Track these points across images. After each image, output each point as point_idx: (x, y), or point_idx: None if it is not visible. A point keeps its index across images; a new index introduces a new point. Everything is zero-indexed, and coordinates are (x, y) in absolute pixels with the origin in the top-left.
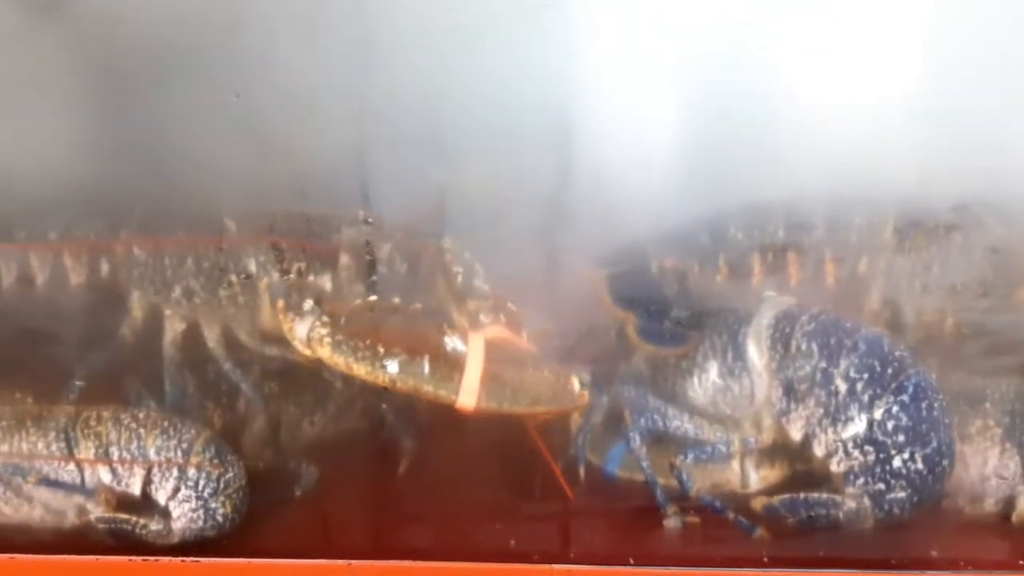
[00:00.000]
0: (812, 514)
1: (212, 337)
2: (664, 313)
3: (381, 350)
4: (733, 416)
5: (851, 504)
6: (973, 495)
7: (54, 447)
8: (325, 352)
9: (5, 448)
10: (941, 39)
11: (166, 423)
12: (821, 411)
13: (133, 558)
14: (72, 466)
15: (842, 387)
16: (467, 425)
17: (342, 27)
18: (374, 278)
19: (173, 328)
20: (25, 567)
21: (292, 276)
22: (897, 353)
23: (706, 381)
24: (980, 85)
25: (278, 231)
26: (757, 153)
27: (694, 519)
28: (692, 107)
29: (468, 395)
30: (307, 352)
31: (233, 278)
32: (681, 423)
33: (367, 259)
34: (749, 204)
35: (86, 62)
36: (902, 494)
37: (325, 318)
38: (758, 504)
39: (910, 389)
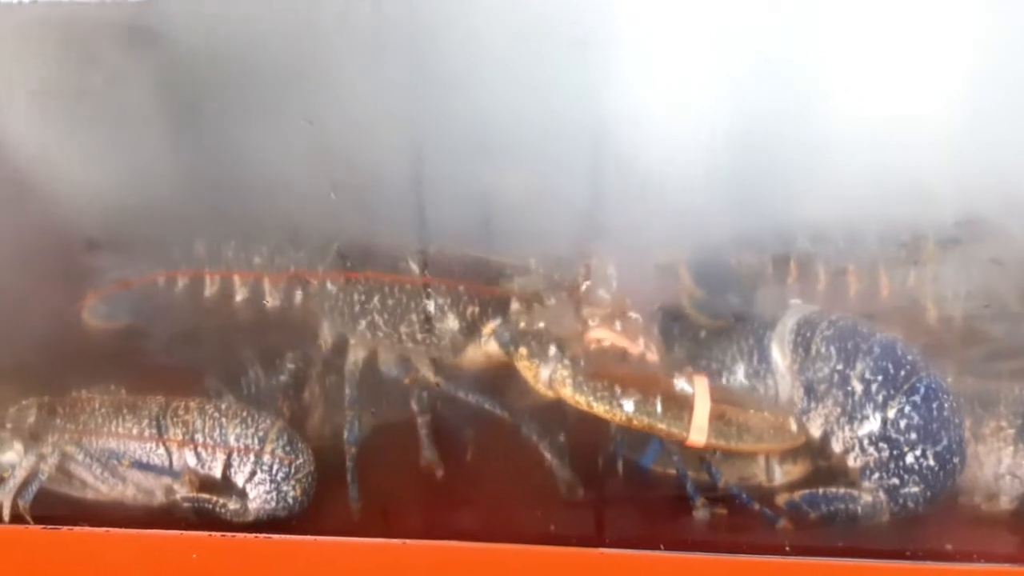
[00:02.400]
0: (831, 509)
1: (389, 362)
2: (727, 297)
3: (618, 390)
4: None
5: (867, 498)
6: (988, 493)
7: (146, 432)
8: (567, 392)
9: (104, 433)
10: (972, 55)
11: (245, 414)
12: (839, 410)
13: (213, 534)
14: (162, 450)
15: (858, 388)
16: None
17: (400, 56)
18: (541, 324)
19: (355, 355)
20: (118, 540)
21: (519, 321)
22: (910, 356)
23: (733, 382)
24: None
25: (457, 275)
26: (788, 171)
27: (721, 510)
28: (724, 128)
29: (698, 433)
30: (547, 393)
31: (413, 317)
32: None
33: (536, 305)
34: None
35: (170, 92)
36: (915, 489)
37: (567, 361)
38: (781, 500)
39: (922, 390)
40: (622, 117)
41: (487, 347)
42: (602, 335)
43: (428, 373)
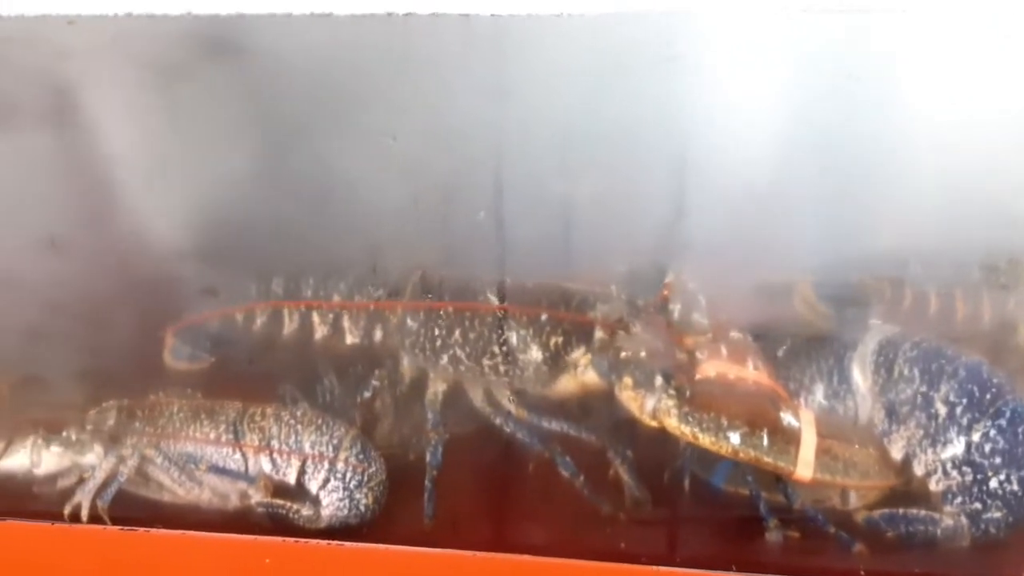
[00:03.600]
0: (911, 529)
1: (476, 397)
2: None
3: (724, 422)
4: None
5: (948, 522)
6: None
7: (223, 438)
8: (671, 423)
9: (182, 437)
10: None
11: (320, 421)
12: (921, 433)
13: (286, 539)
14: (238, 455)
15: (942, 410)
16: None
17: (486, 73)
18: (643, 353)
19: (435, 388)
20: (193, 543)
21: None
22: (996, 379)
23: (812, 403)
24: None
25: (538, 305)
26: (872, 189)
27: (794, 533)
28: (807, 146)
29: (805, 467)
30: (652, 423)
31: (495, 349)
32: None
33: (621, 333)
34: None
35: (256, 106)
36: (998, 514)
37: (672, 391)
38: (859, 516)
39: (1007, 414)
40: (706, 134)
41: (584, 377)
42: (715, 368)
43: (509, 404)
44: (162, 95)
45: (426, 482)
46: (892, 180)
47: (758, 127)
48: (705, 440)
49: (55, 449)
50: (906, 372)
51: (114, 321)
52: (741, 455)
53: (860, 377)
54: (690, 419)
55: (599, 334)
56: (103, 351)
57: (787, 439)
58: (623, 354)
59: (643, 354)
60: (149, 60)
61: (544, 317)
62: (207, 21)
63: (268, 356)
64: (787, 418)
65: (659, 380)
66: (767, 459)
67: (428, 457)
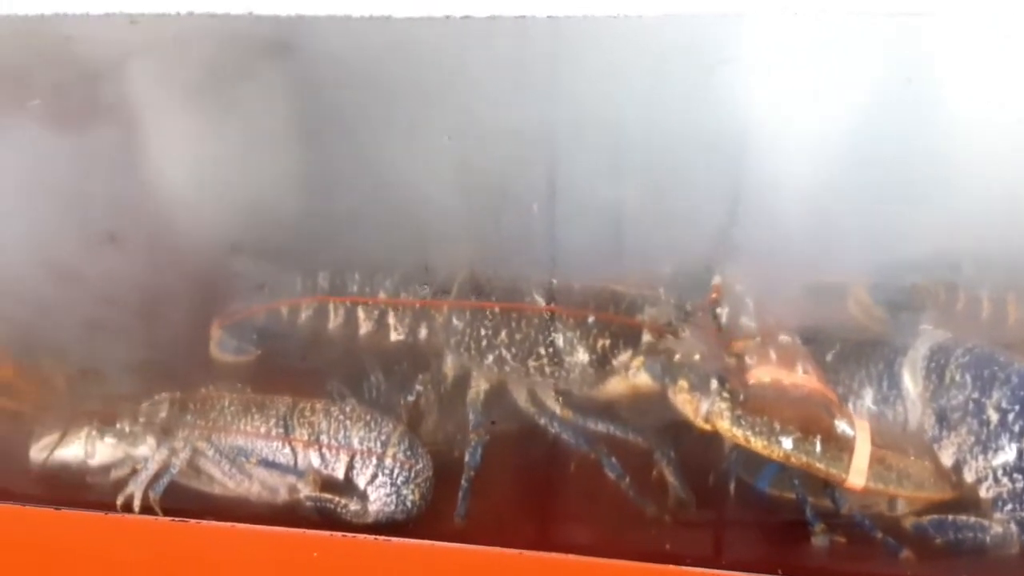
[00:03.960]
0: (959, 536)
1: (520, 397)
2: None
3: (777, 427)
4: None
5: (998, 529)
6: None
7: (273, 432)
8: (724, 425)
9: (233, 430)
10: None
11: (368, 417)
12: (972, 439)
13: (334, 533)
14: (288, 449)
15: (994, 417)
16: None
17: (541, 75)
18: (696, 356)
19: (478, 387)
20: (242, 535)
21: (667, 349)
22: None
23: (861, 407)
24: None
25: (585, 306)
26: (926, 193)
27: (840, 538)
28: (846, 158)
29: (858, 476)
30: (705, 426)
31: (541, 351)
32: None
33: (669, 336)
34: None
35: (315, 106)
36: None
37: (726, 394)
38: (907, 522)
39: None
40: (758, 137)
41: (635, 379)
42: (766, 374)
43: (554, 405)
44: (220, 94)
45: (462, 481)
46: (945, 182)
47: (810, 130)
48: (757, 444)
49: (109, 440)
50: (958, 378)
51: (168, 315)
52: (793, 460)
53: (911, 382)
54: (743, 422)
55: (647, 337)
56: (157, 344)
57: (840, 446)
58: (676, 357)
59: (697, 357)
60: (209, 59)
61: (591, 319)
62: (268, 21)
63: (315, 352)
64: (841, 425)
65: (714, 383)
66: (819, 465)
67: (467, 457)
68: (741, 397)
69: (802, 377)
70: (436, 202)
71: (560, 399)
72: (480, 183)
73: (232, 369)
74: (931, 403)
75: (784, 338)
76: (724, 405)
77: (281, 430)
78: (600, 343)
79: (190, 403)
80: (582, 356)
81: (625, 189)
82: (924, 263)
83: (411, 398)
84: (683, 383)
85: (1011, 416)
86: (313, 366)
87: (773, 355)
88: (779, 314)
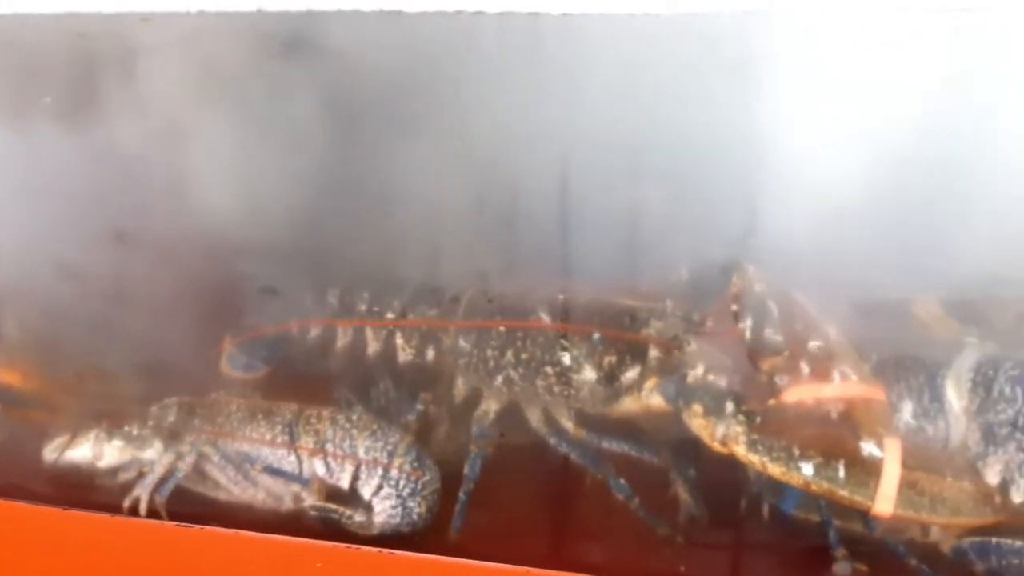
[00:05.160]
0: (1004, 562)
1: (534, 417)
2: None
3: (796, 452)
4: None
5: None
6: None
7: (279, 439)
8: (740, 450)
9: (239, 436)
10: None
11: (375, 426)
12: (1022, 456)
13: (338, 544)
14: (293, 457)
15: None
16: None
17: (553, 71)
18: (711, 377)
19: (488, 406)
20: (246, 542)
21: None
22: None
23: (898, 422)
24: None
25: (590, 322)
26: (962, 201)
27: (862, 567)
28: (881, 162)
29: (885, 503)
30: (721, 450)
31: (549, 370)
32: None
33: (676, 351)
34: None
35: (324, 104)
36: None
37: (741, 417)
38: (946, 546)
39: None
40: (782, 139)
41: (649, 400)
42: (800, 393)
43: (568, 424)
44: (230, 93)
45: (460, 494)
46: (990, 190)
47: (839, 131)
48: (775, 470)
49: (117, 443)
50: (1007, 391)
51: (178, 317)
52: (814, 487)
53: (955, 396)
54: (759, 447)
55: (653, 352)
56: (167, 347)
57: (867, 471)
58: (690, 378)
59: (711, 376)
60: (220, 58)
61: (596, 336)
62: (277, 18)
63: (324, 362)
64: (868, 448)
65: (729, 406)
66: (843, 493)
67: (466, 470)
68: (758, 420)
69: (840, 386)
70: (446, 206)
71: (573, 418)
72: (493, 186)
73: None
74: (977, 418)
75: (814, 344)
76: (740, 429)
77: (286, 437)
78: (606, 360)
79: (198, 407)
80: (589, 374)
81: (642, 192)
82: (963, 276)
83: (412, 417)
84: (697, 407)
85: None
86: (324, 373)
87: (805, 368)
88: (804, 315)
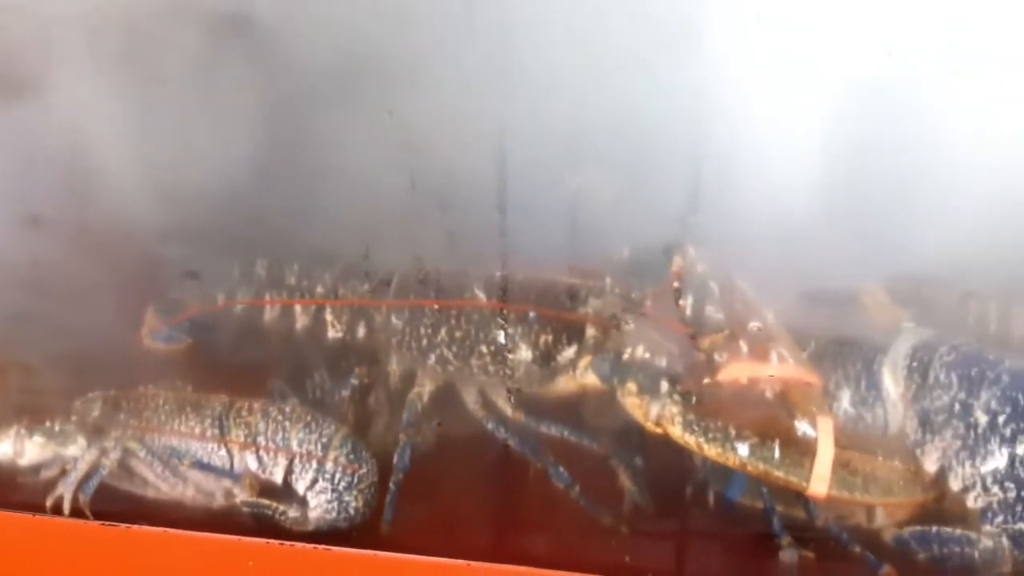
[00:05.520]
0: (944, 550)
1: (470, 399)
2: None
3: (732, 432)
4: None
5: (988, 543)
6: None
7: (208, 432)
8: (676, 431)
9: (166, 430)
10: None
11: (309, 418)
12: (959, 443)
13: (271, 541)
14: (223, 451)
15: (982, 419)
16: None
17: (488, 51)
18: (647, 355)
19: (422, 387)
20: (175, 541)
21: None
22: None
23: (836, 410)
24: None
25: (527, 301)
26: (906, 186)
27: (809, 553)
28: (827, 138)
29: (820, 483)
30: (656, 430)
31: (484, 349)
32: None
33: (614, 330)
34: None
35: (257, 82)
36: None
37: (676, 397)
38: (888, 534)
39: None
40: (723, 117)
41: (583, 379)
42: (738, 371)
43: (505, 406)
44: (148, 69)
45: (390, 484)
46: (930, 177)
47: (784, 107)
48: (711, 451)
49: (38, 439)
50: (943, 378)
51: (100, 306)
52: (750, 468)
53: (891, 383)
54: (695, 428)
55: (591, 331)
56: (89, 337)
57: (801, 451)
58: (625, 356)
59: (647, 355)
60: (136, 31)
61: (532, 315)
62: None
63: (253, 346)
64: (802, 428)
65: (664, 385)
66: (778, 473)
67: (395, 459)
68: (694, 399)
69: (778, 367)
70: (379, 185)
71: (512, 400)
72: (426, 164)
73: (168, 362)
74: (913, 405)
75: (754, 324)
76: (675, 409)
77: (216, 431)
78: (543, 339)
79: (123, 401)
80: (525, 354)
81: (582, 171)
82: (901, 263)
83: (345, 392)
84: (631, 385)
85: (1002, 419)
86: (253, 362)
87: (744, 347)
88: (744, 297)
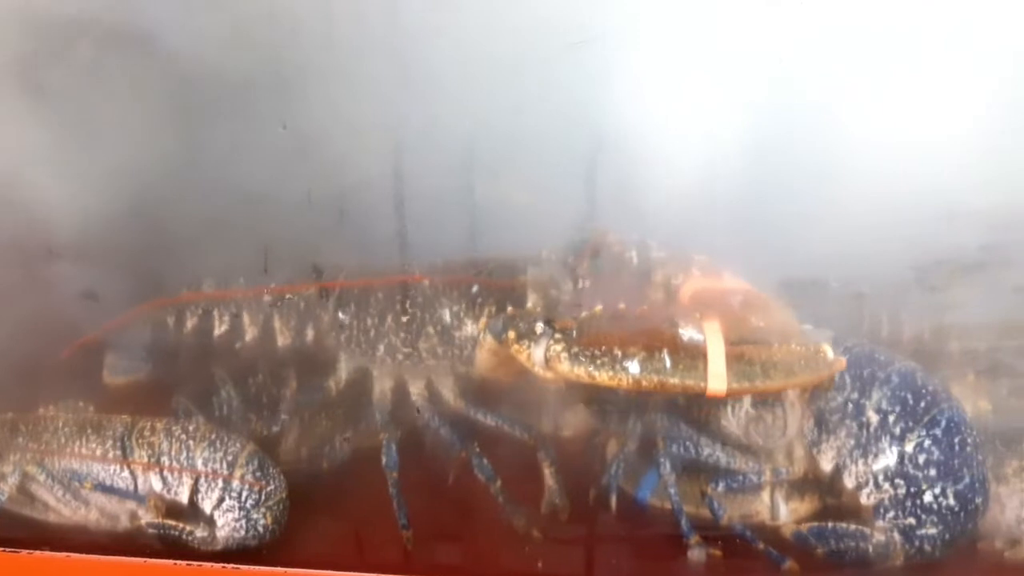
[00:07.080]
0: (841, 545)
1: (415, 391)
2: None
3: (619, 353)
4: (765, 446)
5: (880, 538)
6: (1010, 538)
7: (110, 454)
8: (564, 367)
9: (67, 453)
10: (997, 75)
11: (213, 436)
12: (852, 442)
13: (179, 562)
14: (126, 472)
15: (874, 419)
16: (498, 448)
17: (382, 62)
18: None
19: (381, 385)
20: (80, 566)
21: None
22: (930, 386)
23: (739, 410)
24: None
25: (466, 275)
26: (800, 189)
27: (716, 552)
28: (722, 138)
29: (717, 380)
30: (547, 375)
31: (431, 329)
32: (713, 452)
33: (553, 295)
34: None
35: (151, 94)
36: (933, 530)
37: (558, 335)
38: (787, 530)
39: (943, 423)
40: (622, 124)
41: (487, 345)
42: (698, 284)
43: (449, 395)
44: (36, 80)
45: (390, 488)
46: (821, 180)
47: (683, 114)
48: (603, 376)
49: None
50: (837, 378)
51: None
52: (644, 384)
53: None
54: (582, 358)
55: (533, 297)
56: None
57: (693, 355)
58: (509, 311)
59: (538, 307)
60: (25, 42)
61: (475, 289)
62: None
63: (209, 363)
64: (688, 333)
65: (540, 326)
66: (673, 380)
67: (384, 459)
68: (574, 333)
69: (733, 281)
70: (276, 198)
71: (457, 387)
72: (322, 176)
73: (74, 385)
74: (809, 405)
75: (700, 257)
76: (559, 347)
77: (118, 452)
78: (487, 311)
79: (21, 424)
80: (470, 329)
81: (478, 179)
82: (806, 262)
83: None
84: (511, 334)
85: (891, 418)
86: (162, 381)
87: (697, 272)
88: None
